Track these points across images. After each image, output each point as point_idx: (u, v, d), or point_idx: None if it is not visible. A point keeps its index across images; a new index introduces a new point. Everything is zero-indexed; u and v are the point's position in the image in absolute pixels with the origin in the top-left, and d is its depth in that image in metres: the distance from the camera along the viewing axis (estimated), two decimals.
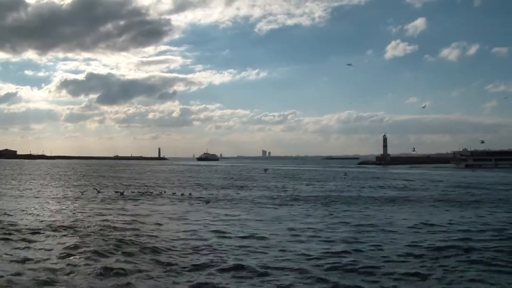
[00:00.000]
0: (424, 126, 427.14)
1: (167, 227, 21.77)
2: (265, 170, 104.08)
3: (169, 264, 14.50)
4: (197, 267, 14.08)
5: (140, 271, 13.66)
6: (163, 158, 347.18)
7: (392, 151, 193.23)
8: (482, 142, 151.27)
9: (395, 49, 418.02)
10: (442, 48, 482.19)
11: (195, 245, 17.31)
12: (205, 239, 18.59)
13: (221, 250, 16.63)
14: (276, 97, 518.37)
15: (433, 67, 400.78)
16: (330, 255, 15.99)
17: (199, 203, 33.56)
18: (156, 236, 19.20)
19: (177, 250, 16.49)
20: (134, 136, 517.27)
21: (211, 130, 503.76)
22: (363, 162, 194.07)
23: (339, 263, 14.76)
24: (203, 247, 16.92)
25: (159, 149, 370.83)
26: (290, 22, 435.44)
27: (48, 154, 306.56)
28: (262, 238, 19.11)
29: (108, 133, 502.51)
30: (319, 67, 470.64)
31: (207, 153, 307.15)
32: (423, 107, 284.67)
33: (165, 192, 42.36)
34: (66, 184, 55.91)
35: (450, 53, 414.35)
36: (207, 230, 21.04)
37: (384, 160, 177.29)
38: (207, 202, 34.26)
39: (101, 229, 20.58)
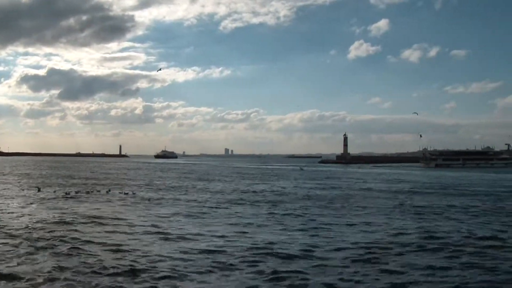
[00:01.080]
0: (386, 126, 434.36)
1: (90, 229, 20.61)
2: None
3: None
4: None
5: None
6: (124, 156, 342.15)
7: (354, 150, 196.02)
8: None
9: (358, 49, 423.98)
10: (404, 50, 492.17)
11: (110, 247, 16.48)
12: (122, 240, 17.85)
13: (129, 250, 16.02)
14: (240, 95, 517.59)
15: (395, 68, 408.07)
16: None
17: (139, 202, 32.38)
18: (75, 238, 18.17)
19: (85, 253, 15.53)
20: (96, 133, 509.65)
21: (174, 128, 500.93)
22: (324, 161, 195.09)
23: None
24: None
25: (120, 146, 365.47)
26: (255, 20, 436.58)
27: (5, 151, 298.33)
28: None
29: (69, 130, 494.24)
30: (283, 66, 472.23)
31: (165, 151, 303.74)
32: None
33: (109, 191, 40.87)
34: (9, 181, 53.45)
35: (411, 54, 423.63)
36: (133, 230, 20.27)
37: (345, 159, 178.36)
38: (148, 200, 33.51)
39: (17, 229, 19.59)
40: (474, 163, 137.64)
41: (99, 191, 40.70)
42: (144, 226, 21.39)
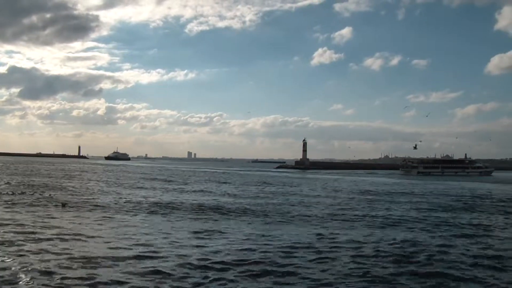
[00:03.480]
0: (347, 132, 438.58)
1: None
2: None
3: None
4: None
5: None
6: (83, 157, 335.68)
7: (316, 156, 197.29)
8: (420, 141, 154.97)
9: (321, 56, 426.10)
10: (366, 58, 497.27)
11: None
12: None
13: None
14: (204, 98, 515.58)
15: (357, 75, 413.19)
16: None
17: (56, 205, 30.92)
18: None
19: None
20: (57, 133, 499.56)
21: (137, 130, 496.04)
22: (282, 166, 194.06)
23: None
24: None
25: (79, 147, 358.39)
26: (221, 24, 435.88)
27: None
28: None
29: (30, 129, 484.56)
30: (247, 70, 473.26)
31: (116, 152, 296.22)
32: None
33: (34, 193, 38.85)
34: None
35: (373, 62, 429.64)
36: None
37: (303, 164, 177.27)
38: (64, 205, 31.04)
39: None
40: (453, 171, 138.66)
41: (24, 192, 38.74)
42: None
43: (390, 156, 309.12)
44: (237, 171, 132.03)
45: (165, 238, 19.69)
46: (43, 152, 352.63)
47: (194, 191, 48.19)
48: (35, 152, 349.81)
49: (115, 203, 33.37)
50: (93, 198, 36.74)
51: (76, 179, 65.57)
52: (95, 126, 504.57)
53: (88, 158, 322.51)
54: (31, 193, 39.10)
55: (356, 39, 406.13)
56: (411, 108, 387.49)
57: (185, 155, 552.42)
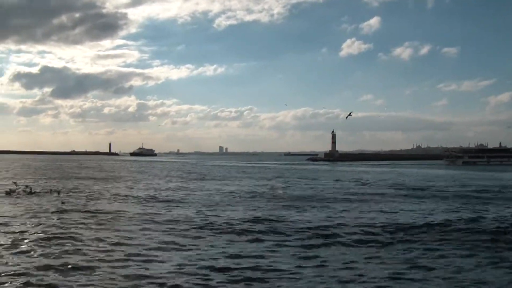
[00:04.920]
0: (378, 123, 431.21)
1: None
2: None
3: None
4: None
5: None
6: (114, 154, 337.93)
7: (346, 147, 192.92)
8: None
9: (350, 47, 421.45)
10: (395, 47, 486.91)
11: None
12: None
13: None
14: (233, 93, 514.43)
15: (386, 65, 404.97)
16: None
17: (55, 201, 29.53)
18: None
19: None
20: (89, 131, 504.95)
21: (168, 126, 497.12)
22: (311, 158, 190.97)
23: None
24: None
25: (110, 144, 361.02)
26: (249, 18, 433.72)
27: None
28: None
29: (62, 128, 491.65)
30: (276, 63, 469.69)
31: (142, 148, 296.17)
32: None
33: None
34: None
35: (403, 52, 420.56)
36: None
37: (333, 156, 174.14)
38: (63, 202, 28.90)
39: None
40: (498, 161, 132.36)
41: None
42: None
43: (422, 146, 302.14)
44: (270, 164, 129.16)
45: None
46: (76, 150, 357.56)
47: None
48: (68, 150, 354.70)
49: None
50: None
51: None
52: (126, 123, 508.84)
53: (119, 155, 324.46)
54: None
55: (385, 28, 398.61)
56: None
57: (217, 150, 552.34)
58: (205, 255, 14.89)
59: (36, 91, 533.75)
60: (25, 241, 16.82)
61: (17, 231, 18.75)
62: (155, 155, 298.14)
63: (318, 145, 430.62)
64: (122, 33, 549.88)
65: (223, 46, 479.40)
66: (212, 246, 16.50)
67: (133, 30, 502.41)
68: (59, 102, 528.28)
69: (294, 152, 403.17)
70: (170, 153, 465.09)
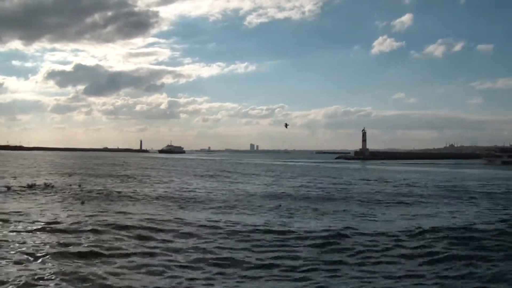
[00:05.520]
0: (410, 121, 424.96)
1: None
2: None
3: None
4: None
5: None
6: (145, 151, 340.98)
7: (378, 146, 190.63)
8: None
9: (381, 44, 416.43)
10: (428, 45, 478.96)
11: None
12: None
13: None
14: (264, 90, 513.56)
15: (419, 63, 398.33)
16: None
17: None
18: None
19: None
20: (121, 128, 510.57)
21: (199, 123, 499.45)
22: (341, 156, 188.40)
23: None
24: None
25: (141, 141, 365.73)
26: (280, 15, 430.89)
27: (26, 145, 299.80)
28: None
29: (95, 125, 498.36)
30: (307, 61, 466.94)
31: (170, 145, 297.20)
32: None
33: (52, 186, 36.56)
34: None
35: (435, 49, 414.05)
36: None
37: (363, 155, 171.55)
38: (82, 202, 27.72)
39: None
40: None
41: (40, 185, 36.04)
42: None
43: (455, 145, 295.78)
44: (302, 163, 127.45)
45: None
46: (109, 147, 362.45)
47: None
48: (101, 147, 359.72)
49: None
50: None
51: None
52: (157, 120, 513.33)
53: (149, 152, 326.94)
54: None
55: (417, 25, 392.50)
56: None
57: (248, 147, 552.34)
58: None
59: (69, 88, 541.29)
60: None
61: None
62: (183, 152, 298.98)
63: (349, 143, 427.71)
64: (154, 31, 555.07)
65: (254, 44, 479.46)
66: None
67: (164, 28, 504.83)
68: (92, 99, 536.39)
69: (325, 150, 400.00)
70: (201, 151, 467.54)
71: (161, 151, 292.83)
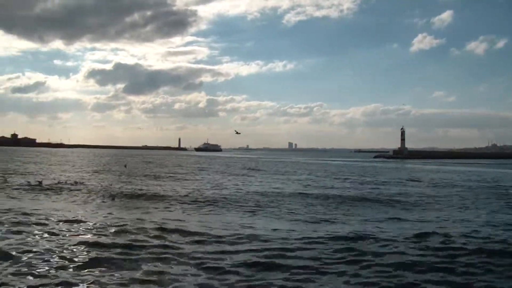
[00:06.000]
0: (450, 120, 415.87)
1: None
2: None
3: None
4: None
5: None
6: (183, 149, 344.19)
7: (417, 145, 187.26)
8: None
9: (421, 42, 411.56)
10: (469, 42, 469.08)
11: None
12: None
13: None
14: (303, 88, 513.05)
15: (459, 60, 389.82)
16: None
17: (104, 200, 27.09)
18: None
19: None
20: (160, 126, 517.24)
21: (237, 121, 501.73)
22: (379, 155, 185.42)
23: None
24: None
25: (179, 140, 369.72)
26: (318, 13, 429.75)
27: (66, 143, 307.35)
28: None
29: (134, 123, 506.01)
30: (345, 59, 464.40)
31: (207, 143, 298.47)
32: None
33: (82, 183, 35.80)
34: None
35: (477, 46, 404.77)
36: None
37: (401, 154, 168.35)
38: (113, 198, 27.39)
39: None
40: None
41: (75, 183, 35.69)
42: None
43: (498, 145, 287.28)
44: (339, 161, 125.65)
45: None
46: (148, 144, 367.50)
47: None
48: (140, 145, 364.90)
49: None
50: None
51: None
52: (196, 118, 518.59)
53: (187, 150, 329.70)
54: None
55: (458, 22, 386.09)
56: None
57: (286, 146, 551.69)
58: None
59: (109, 87, 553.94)
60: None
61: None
62: (220, 150, 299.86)
63: (388, 142, 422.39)
64: (192, 30, 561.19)
65: (293, 42, 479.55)
66: None
67: (203, 26, 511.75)
68: (131, 98, 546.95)
69: (364, 149, 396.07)
70: (239, 149, 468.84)
71: (197, 149, 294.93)
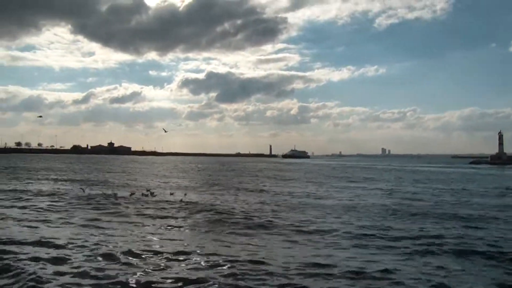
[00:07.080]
0: None
1: None
2: None
3: None
4: None
5: None
6: (274, 156, 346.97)
7: None
8: None
9: None
10: None
11: None
12: None
13: None
14: (395, 93, 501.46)
15: None
16: None
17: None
18: None
19: None
20: (253, 133, 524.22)
21: (330, 128, 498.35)
22: (475, 161, 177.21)
23: None
24: None
25: (270, 147, 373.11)
26: (410, 16, 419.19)
27: (159, 151, 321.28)
28: None
29: (227, 131, 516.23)
30: (439, 61, 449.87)
31: (294, 150, 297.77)
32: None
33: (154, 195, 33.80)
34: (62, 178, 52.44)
35: None
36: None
37: (500, 159, 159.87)
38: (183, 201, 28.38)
39: None
40: None
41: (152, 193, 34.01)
42: None
43: None
44: (435, 168, 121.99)
45: None
46: (241, 152, 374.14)
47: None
48: (233, 153, 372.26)
49: None
50: None
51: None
52: (288, 125, 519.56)
53: (277, 157, 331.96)
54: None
55: None
56: None
57: (379, 152, 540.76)
58: None
59: (202, 96, 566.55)
60: None
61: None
62: (307, 157, 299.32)
63: (487, 147, 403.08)
64: (283, 37, 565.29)
65: (384, 46, 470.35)
66: None
67: (293, 33, 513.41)
68: (224, 106, 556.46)
69: (461, 155, 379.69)
70: (331, 155, 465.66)
71: (284, 156, 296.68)
